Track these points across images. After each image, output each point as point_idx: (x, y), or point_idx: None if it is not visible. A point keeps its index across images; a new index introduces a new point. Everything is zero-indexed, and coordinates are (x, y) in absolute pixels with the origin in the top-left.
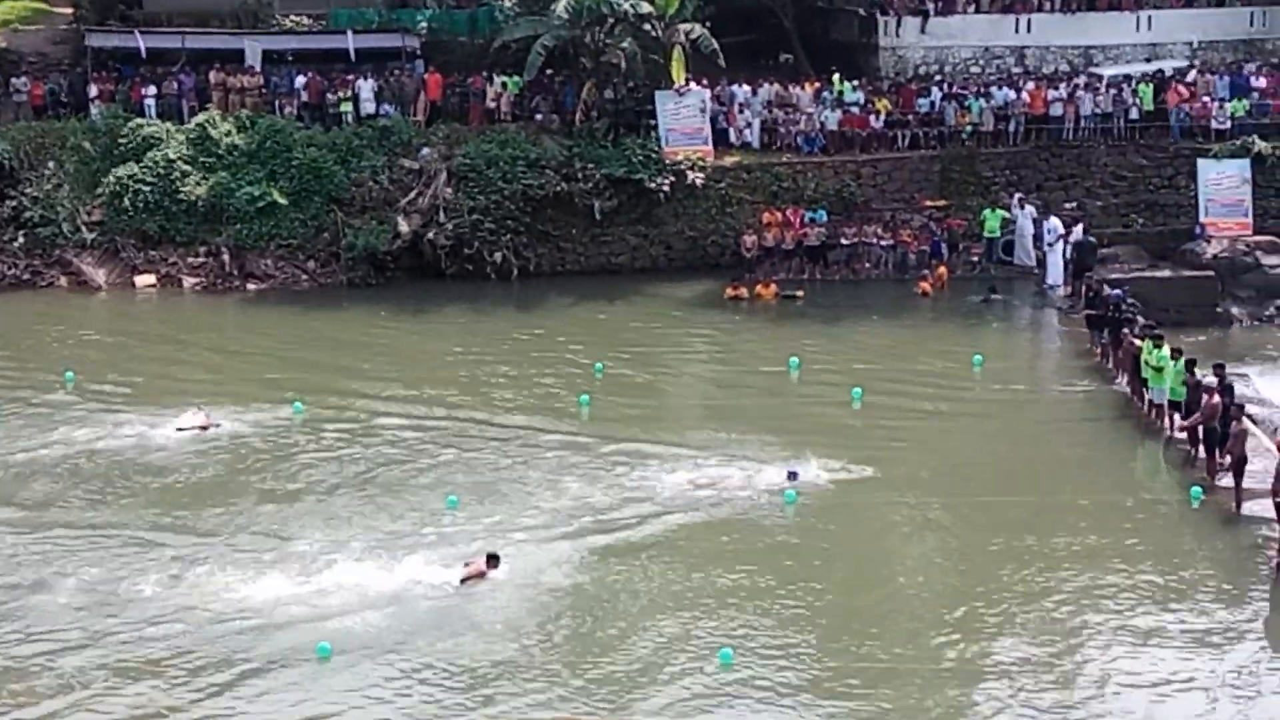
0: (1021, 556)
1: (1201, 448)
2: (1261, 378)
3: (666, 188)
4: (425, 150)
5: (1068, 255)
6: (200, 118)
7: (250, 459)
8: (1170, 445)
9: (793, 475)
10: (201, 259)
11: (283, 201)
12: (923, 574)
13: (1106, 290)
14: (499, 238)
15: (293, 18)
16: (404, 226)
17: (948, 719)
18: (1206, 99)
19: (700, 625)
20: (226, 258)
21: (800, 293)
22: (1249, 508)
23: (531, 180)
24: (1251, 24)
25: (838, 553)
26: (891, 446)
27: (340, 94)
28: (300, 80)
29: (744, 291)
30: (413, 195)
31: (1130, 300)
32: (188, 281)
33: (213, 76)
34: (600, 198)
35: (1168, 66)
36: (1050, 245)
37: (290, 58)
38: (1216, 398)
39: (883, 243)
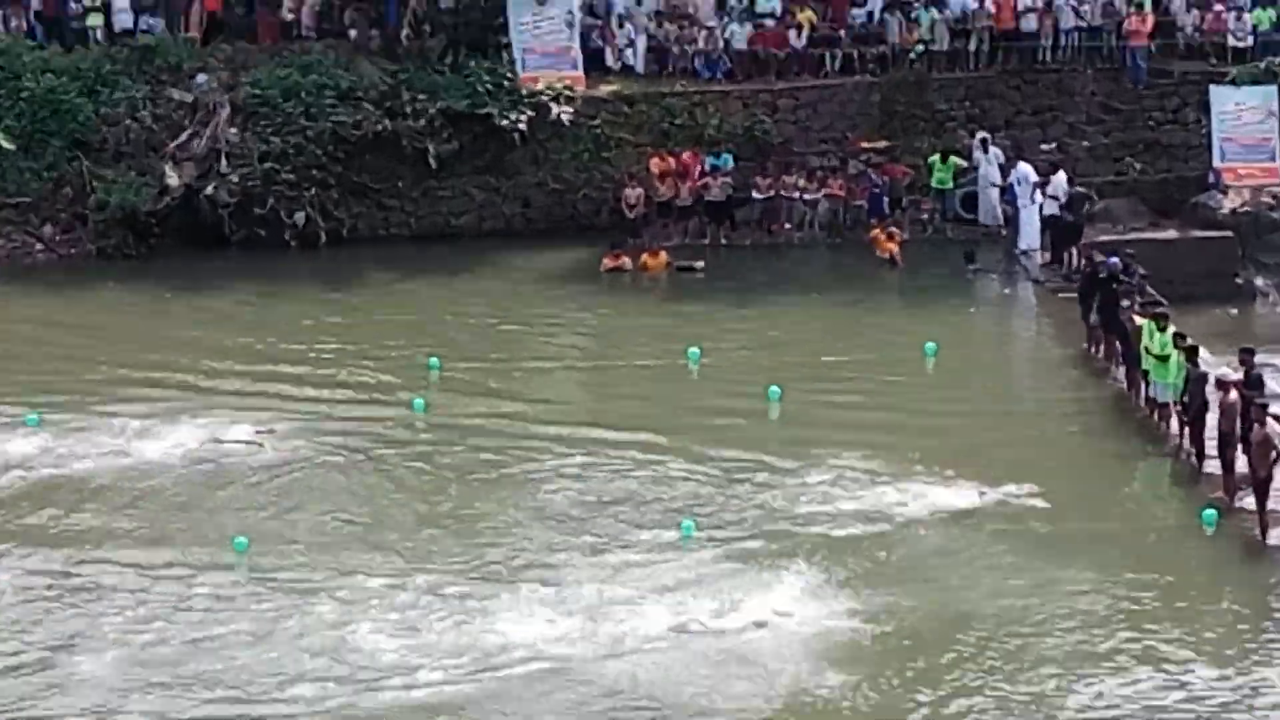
0: (985, 621)
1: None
2: None
3: (523, 126)
4: (201, 78)
5: (1046, 212)
6: None
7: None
8: (1179, 456)
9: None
10: None
11: (8, 146)
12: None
13: (1099, 257)
14: (300, 193)
15: None
16: (173, 179)
17: None
18: (1220, 7)
19: None
20: None
21: (700, 263)
22: (1279, 535)
23: (344, 117)
24: None
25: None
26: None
27: (86, 1)
28: None
29: (626, 262)
30: (185, 138)
31: (1136, 269)
32: None
33: None
34: (435, 139)
35: None
36: (1022, 199)
37: None
38: (1234, 394)
39: (807, 196)
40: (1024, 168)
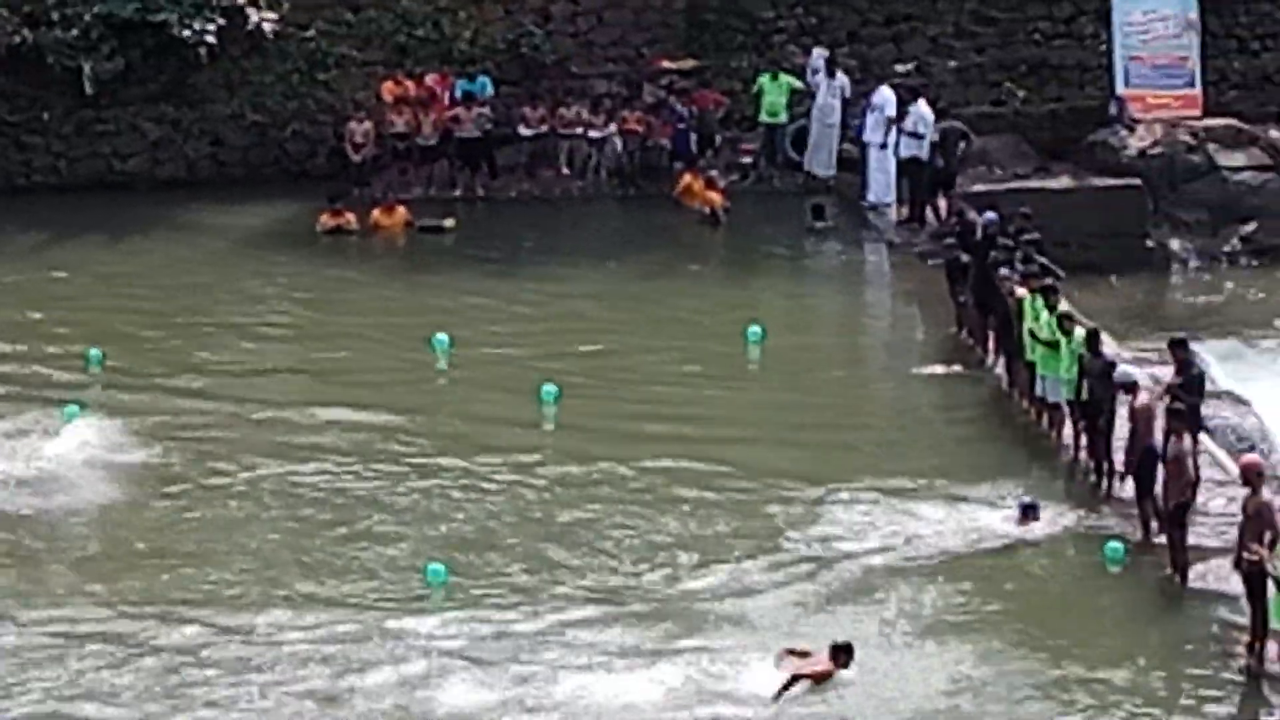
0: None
1: (1123, 478)
2: (1223, 362)
3: (211, 38)
4: None
5: (903, 153)
6: None
7: None
8: (1075, 475)
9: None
10: None
11: None
12: None
13: (972, 213)
14: None
15: None
16: None
17: None
18: None
19: None
20: None
21: (449, 222)
22: (1201, 574)
23: None
24: None
25: None
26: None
27: None
28: None
29: (351, 220)
30: None
31: (1023, 230)
32: None
33: None
34: (93, 56)
35: None
36: (873, 136)
37: None
38: (1144, 396)
39: (592, 134)
40: (885, 93)
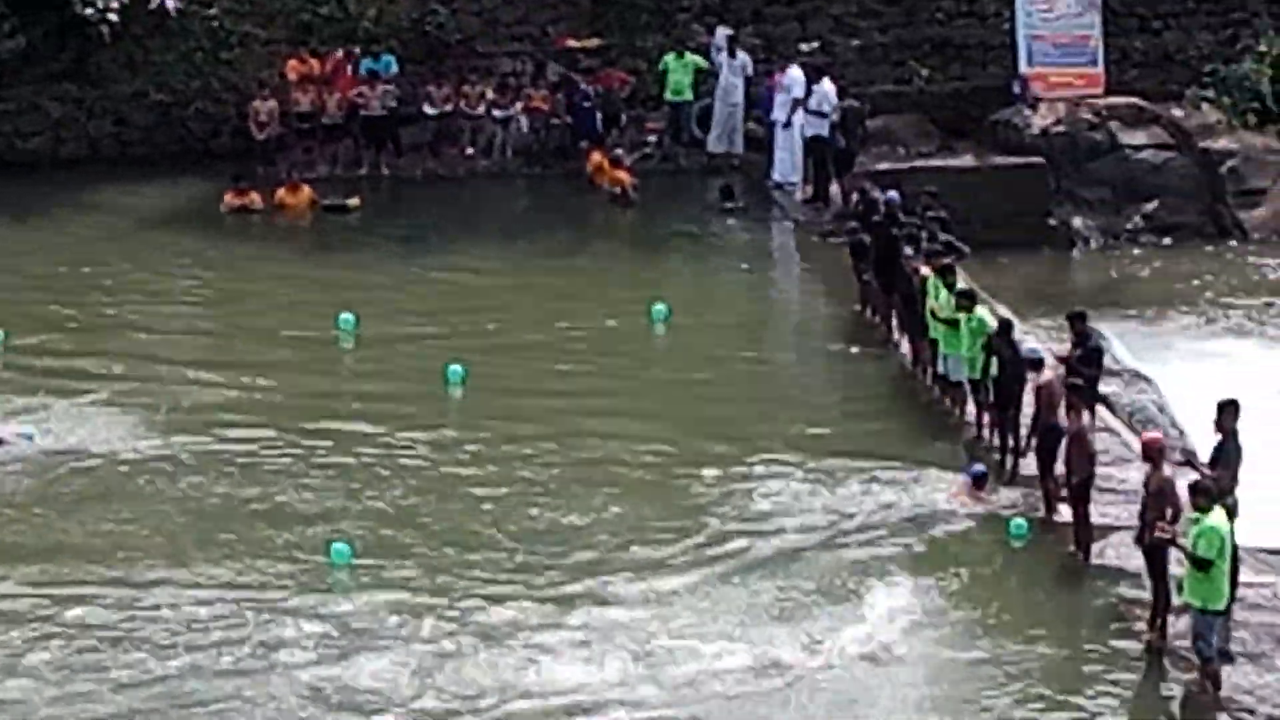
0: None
1: (1027, 453)
2: (1122, 340)
3: (114, 16)
4: None
5: (808, 132)
6: None
7: None
8: (978, 449)
9: None
10: None
11: None
12: None
13: (875, 191)
14: None
15: None
16: None
17: None
18: None
19: None
20: None
21: (354, 201)
22: (1102, 552)
23: None
24: None
25: None
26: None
27: None
28: None
29: (256, 199)
30: None
31: (929, 208)
32: None
33: None
34: None
35: None
36: (779, 114)
37: None
38: (1047, 374)
39: (497, 113)
40: (795, 74)
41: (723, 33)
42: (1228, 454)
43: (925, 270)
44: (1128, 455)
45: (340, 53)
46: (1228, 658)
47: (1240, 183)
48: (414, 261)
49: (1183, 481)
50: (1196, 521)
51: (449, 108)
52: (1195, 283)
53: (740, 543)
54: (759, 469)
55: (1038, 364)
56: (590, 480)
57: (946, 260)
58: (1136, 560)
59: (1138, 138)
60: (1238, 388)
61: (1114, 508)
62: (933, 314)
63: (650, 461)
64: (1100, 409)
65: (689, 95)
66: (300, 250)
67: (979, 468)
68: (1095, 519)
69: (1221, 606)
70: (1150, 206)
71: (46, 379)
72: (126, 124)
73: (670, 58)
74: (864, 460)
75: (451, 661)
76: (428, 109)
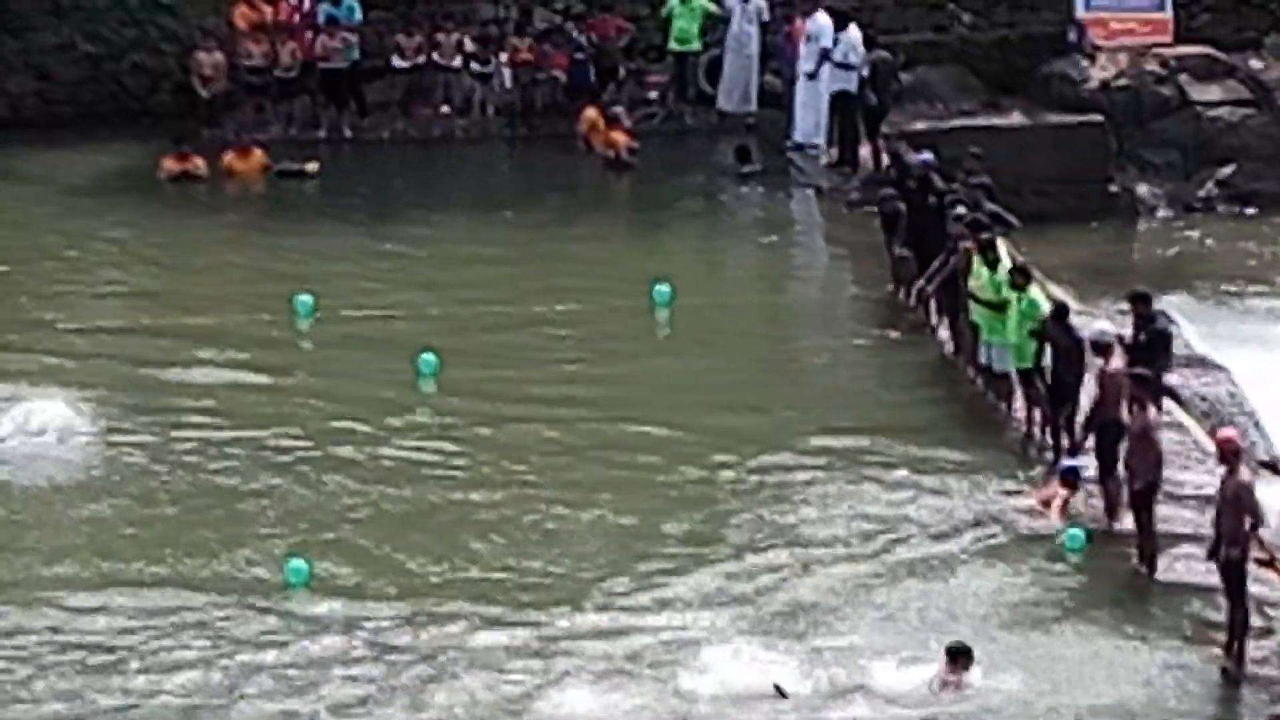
0: None
1: (1085, 454)
2: (1192, 323)
3: None
4: None
5: (833, 87)
6: None
7: None
8: (1028, 451)
9: None
10: None
11: None
12: None
13: (910, 154)
14: None
15: None
16: None
17: None
18: None
19: None
20: None
21: (313, 165)
22: (1169, 567)
23: None
24: None
25: None
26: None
27: None
28: None
29: (199, 164)
30: None
31: (972, 172)
32: None
33: None
34: None
35: None
36: (804, 66)
37: None
38: (1116, 361)
39: (476, 66)
40: (821, 20)
41: None
42: None
43: (967, 244)
44: (1199, 456)
45: None
46: None
47: None
48: (380, 236)
49: (1263, 488)
50: None
51: (421, 60)
52: (1275, 257)
53: (767, 557)
54: (776, 474)
55: (1106, 348)
56: (581, 483)
57: (987, 235)
58: (1209, 576)
59: (1211, 93)
60: None
61: (1187, 513)
62: (973, 296)
63: (656, 464)
64: (1167, 402)
65: (696, 45)
66: (251, 223)
67: (1073, 461)
68: (1160, 528)
69: None
70: (1225, 171)
71: None
72: (50, 80)
73: (675, 2)
74: (898, 464)
75: (442, 685)
76: (396, 61)
